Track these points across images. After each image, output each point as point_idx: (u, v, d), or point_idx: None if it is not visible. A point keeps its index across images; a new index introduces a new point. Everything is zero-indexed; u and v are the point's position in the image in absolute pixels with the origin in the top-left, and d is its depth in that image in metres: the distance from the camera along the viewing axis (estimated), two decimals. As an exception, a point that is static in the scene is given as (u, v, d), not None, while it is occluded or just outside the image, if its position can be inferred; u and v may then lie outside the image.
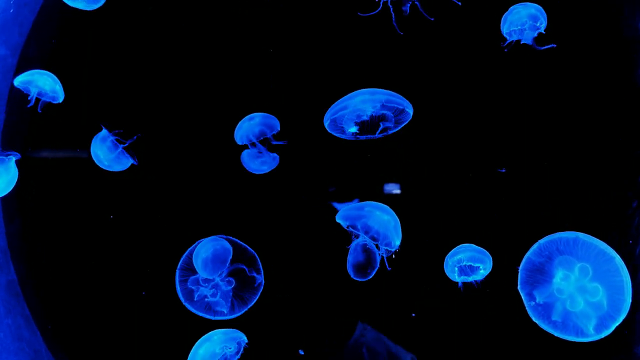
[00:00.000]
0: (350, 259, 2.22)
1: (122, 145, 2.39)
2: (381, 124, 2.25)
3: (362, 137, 2.29)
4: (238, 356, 2.20)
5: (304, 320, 2.58)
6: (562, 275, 1.81)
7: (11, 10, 2.47)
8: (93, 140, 2.42)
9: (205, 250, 2.16)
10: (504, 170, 2.43)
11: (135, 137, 2.42)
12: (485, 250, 2.28)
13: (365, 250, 2.20)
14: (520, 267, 1.89)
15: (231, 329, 2.22)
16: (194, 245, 2.25)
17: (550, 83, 2.40)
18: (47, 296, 2.62)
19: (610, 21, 2.43)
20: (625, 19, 2.42)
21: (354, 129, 2.26)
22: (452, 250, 2.30)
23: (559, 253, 1.83)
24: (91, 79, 2.62)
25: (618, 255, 1.78)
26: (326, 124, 2.29)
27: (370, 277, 2.22)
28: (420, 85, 2.48)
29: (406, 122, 2.27)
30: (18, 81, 2.40)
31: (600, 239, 2.26)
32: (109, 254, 2.59)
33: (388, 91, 2.23)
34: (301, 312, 2.58)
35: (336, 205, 2.55)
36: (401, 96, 2.24)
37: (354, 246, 2.21)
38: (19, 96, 2.54)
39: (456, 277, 2.29)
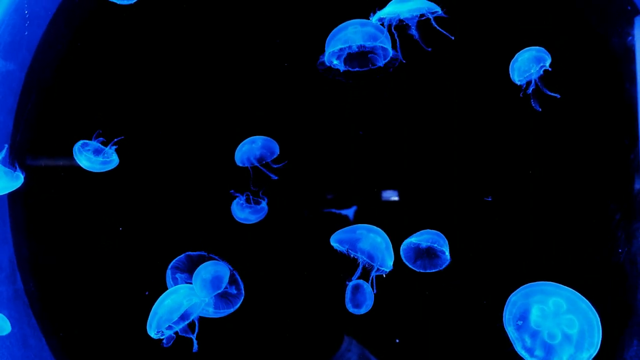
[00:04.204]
0: (349, 295, 2.28)
1: (95, 149, 2.42)
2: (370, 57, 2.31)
3: (353, 69, 2.34)
4: (200, 310, 2.24)
5: (290, 332, 2.63)
6: (538, 310, 1.89)
7: (26, 33, 2.48)
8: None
9: (207, 272, 2.21)
10: (490, 199, 2.50)
11: (115, 140, 2.44)
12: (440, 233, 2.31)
13: (361, 289, 2.26)
14: (505, 311, 1.97)
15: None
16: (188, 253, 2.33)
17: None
18: (53, 305, 2.66)
19: (600, 37, 2.46)
20: (614, 35, 2.45)
21: (339, 64, 2.31)
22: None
23: (533, 293, 1.92)
24: (97, 95, 2.65)
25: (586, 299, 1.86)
26: (327, 50, 2.32)
27: (365, 312, 2.30)
28: (419, 103, 2.56)
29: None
30: None
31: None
32: (115, 263, 2.62)
33: (377, 24, 2.27)
34: (288, 324, 2.64)
35: (335, 211, 2.61)
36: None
37: (351, 287, 2.28)
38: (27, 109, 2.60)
39: (413, 264, 2.32)
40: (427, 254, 2.32)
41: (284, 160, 2.52)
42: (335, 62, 2.35)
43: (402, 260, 2.31)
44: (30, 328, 2.59)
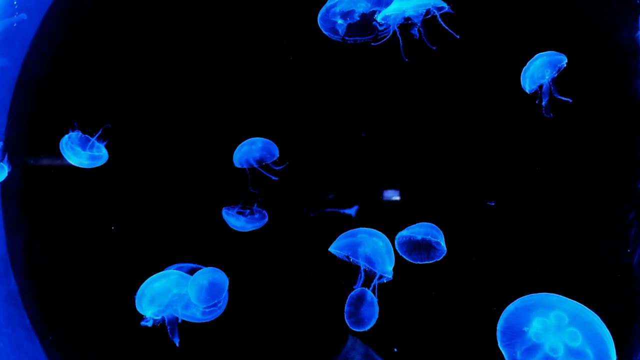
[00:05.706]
0: (349, 309, 2.25)
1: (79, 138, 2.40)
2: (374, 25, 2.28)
3: (352, 40, 2.31)
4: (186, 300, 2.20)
5: (294, 331, 2.63)
6: (539, 323, 1.86)
7: (15, 25, 2.46)
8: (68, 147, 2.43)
9: (204, 278, 2.15)
10: (493, 204, 2.47)
11: (101, 129, 2.43)
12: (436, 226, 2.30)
13: (365, 301, 2.24)
14: (498, 326, 1.93)
15: (187, 275, 2.23)
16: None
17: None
18: (47, 306, 2.66)
19: (608, 32, 2.45)
20: (623, 31, 2.43)
21: (341, 21, 2.26)
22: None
23: (535, 307, 1.88)
24: (92, 93, 2.62)
25: (596, 314, 1.82)
26: (320, 18, 2.29)
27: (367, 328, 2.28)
28: (422, 102, 2.54)
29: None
30: None
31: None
32: (109, 263, 2.62)
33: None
34: (292, 323, 2.63)
35: (335, 210, 2.60)
36: None
37: (353, 299, 2.25)
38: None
39: (408, 255, 2.31)
40: (423, 246, 2.30)
41: (284, 161, 2.50)
42: (340, 21, 2.29)
43: (401, 261, 2.29)
44: (24, 329, 2.59)
